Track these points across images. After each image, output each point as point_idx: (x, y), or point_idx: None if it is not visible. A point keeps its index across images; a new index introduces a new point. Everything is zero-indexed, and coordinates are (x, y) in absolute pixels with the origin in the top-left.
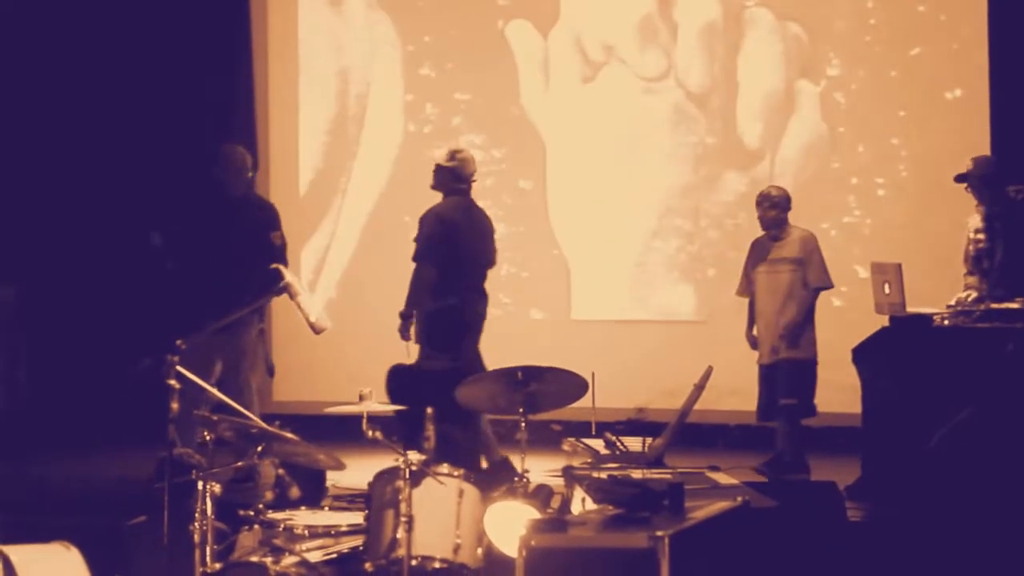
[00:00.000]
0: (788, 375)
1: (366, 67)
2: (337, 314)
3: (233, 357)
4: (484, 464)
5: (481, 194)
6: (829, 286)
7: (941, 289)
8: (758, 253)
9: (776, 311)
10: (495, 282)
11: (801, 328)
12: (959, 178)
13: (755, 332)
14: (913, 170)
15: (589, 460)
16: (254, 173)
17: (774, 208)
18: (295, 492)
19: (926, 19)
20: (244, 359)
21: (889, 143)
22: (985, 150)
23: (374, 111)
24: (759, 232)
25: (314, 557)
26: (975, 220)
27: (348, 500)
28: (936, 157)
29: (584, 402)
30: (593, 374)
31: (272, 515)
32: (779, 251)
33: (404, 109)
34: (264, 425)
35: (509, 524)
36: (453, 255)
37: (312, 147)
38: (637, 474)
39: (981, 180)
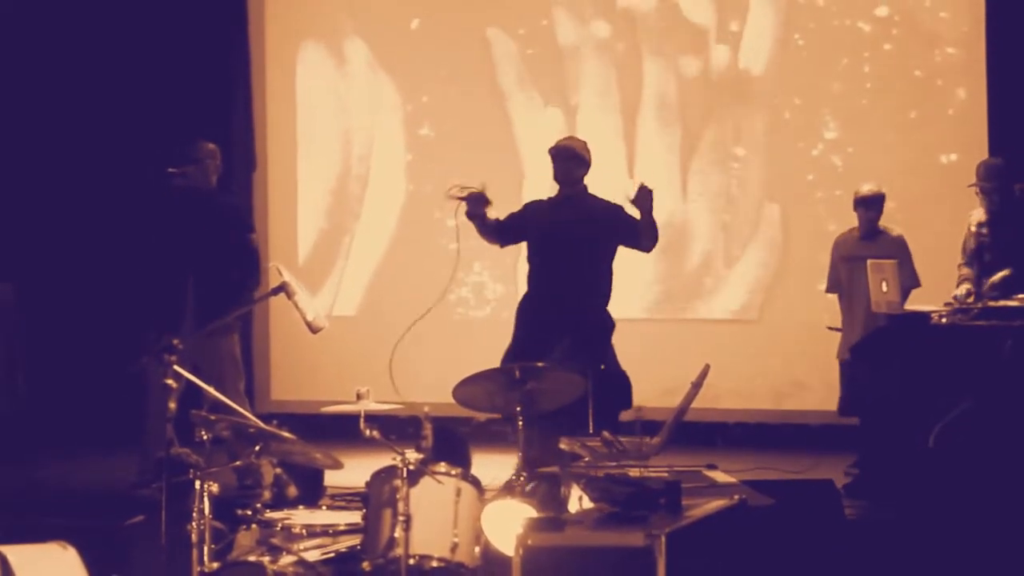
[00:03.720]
0: None
1: (367, 127)
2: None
3: (215, 362)
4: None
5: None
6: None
7: None
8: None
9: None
10: (495, 286)
11: None
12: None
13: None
14: (908, 233)
15: (586, 458)
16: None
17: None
18: (292, 491)
19: (923, 84)
20: (225, 364)
21: (885, 206)
22: (980, 214)
23: (376, 171)
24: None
25: (312, 556)
26: (979, 214)
27: (346, 499)
28: (931, 221)
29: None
30: (591, 372)
31: (270, 514)
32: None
33: (405, 169)
34: (261, 424)
35: (506, 523)
36: None
37: (313, 207)
38: (634, 473)
39: (992, 188)
